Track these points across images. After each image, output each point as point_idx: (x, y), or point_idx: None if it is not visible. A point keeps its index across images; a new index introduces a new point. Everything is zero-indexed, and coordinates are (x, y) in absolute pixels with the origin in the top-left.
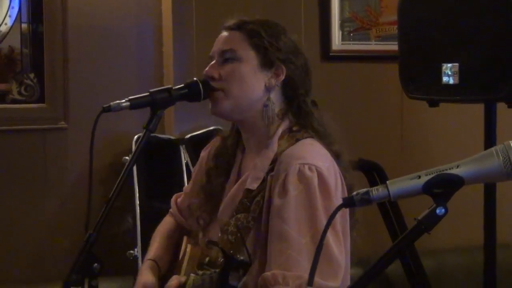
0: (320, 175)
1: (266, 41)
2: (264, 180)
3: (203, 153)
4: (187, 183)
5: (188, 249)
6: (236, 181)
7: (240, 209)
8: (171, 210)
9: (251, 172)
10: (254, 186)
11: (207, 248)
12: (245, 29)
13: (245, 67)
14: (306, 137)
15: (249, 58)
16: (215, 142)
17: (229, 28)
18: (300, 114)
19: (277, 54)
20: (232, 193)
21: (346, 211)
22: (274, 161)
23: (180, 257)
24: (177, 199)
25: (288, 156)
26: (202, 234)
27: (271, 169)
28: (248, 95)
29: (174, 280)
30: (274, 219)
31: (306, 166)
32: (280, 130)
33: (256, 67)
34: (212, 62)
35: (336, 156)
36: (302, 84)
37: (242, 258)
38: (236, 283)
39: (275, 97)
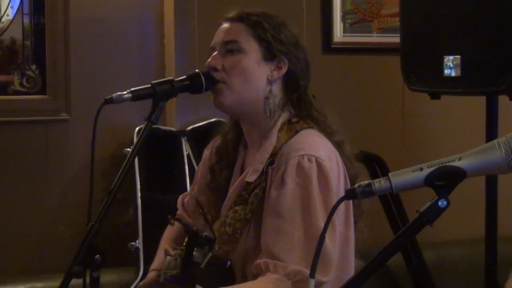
0: (320, 166)
1: (269, 34)
2: (263, 173)
3: (206, 152)
4: (188, 175)
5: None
6: (240, 175)
7: (238, 201)
8: (178, 212)
9: (251, 165)
10: (252, 178)
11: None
12: (247, 21)
13: (248, 59)
14: (305, 128)
15: (252, 50)
16: (216, 140)
17: (230, 20)
18: (300, 105)
19: (279, 46)
20: (234, 187)
21: (350, 202)
22: (273, 154)
23: None
24: (183, 200)
25: (288, 149)
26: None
27: (271, 163)
28: (250, 88)
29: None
30: (269, 210)
31: (306, 157)
32: (279, 122)
33: (259, 59)
34: (215, 53)
35: (338, 146)
36: (302, 77)
37: (206, 234)
38: (201, 259)
39: (276, 90)
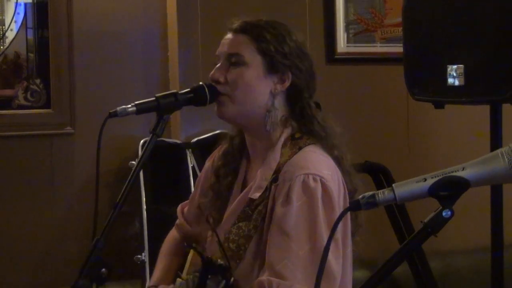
0: (324, 185)
1: (272, 47)
2: (266, 189)
3: (208, 163)
4: (194, 187)
5: (191, 254)
6: (242, 188)
7: (242, 217)
8: (177, 222)
9: (255, 182)
10: (256, 195)
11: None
12: (251, 33)
13: (251, 72)
14: (308, 144)
15: (256, 63)
16: (219, 150)
17: (234, 31)
18: (303, 118)
19: (283, 60)
20: (237, 202)
21: (347, 216)
22: (277, 171)
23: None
24: (183, 208)
25: (292, 166)
26: (211, 233)
27: (274, 179)
28: (253, 101)
29: None
30: (275, 227)
31: (311, 177)
32: (282, 138)
33: (262, 72)
34: (218, 65)
35: (337, 161)
36: (306, 88)
37: (220, 263)
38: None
39: (279, 103)
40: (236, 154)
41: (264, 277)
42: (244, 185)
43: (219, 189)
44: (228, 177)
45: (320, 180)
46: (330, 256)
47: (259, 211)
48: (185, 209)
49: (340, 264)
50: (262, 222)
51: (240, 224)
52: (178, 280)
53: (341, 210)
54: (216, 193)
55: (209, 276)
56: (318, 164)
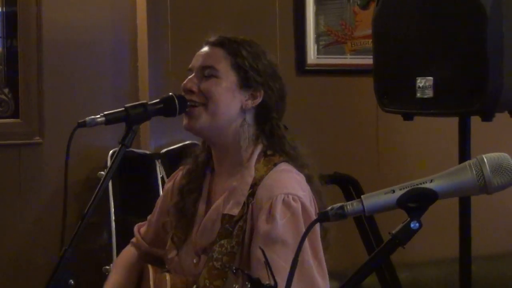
0: (303, 205)
1: (247, 62)
2: (244, 205)
3: (168, 184)
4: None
5: (168, 278)
6: (207, 202)
7: (223, 234)
8: (133, 240)
9: (229, 197)
10: (235, 211)
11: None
12: (227, 47)
13: (224, 85)
14: (282, 161)
15: (229, 77)
16: (179, 172)
17: (211, 44)
18: (272, 137)
19: (256, 77)
20: (209, 217)
21: (317, 232)
22: (253, 185)
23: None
24: (139, 229)
25: (270, 184)
26: (176, 252)
27: (251, 194)
28: (223, 114)
29: None
30: (260, 244)
31: (290, 196)
32: (255, 154)
33: (234, 87)
34: (191, 76)
35: (309, 180)
36: (275, 109)
37: (268, 283)
38: None
39: (250, 119)
40: (200, 171)
41: None
42: (209, 199)
43: (184, 207)
44: (192, 194)
45: (300, 200)
46: (318, 279)
47: (239, 227)
48: (142, 230)
49: (327, 283)
50: (243, 237)
51: (222, 241)
52: None
53: (318, 229)
54: (181, 211)
55: None
56: (296, 185)
